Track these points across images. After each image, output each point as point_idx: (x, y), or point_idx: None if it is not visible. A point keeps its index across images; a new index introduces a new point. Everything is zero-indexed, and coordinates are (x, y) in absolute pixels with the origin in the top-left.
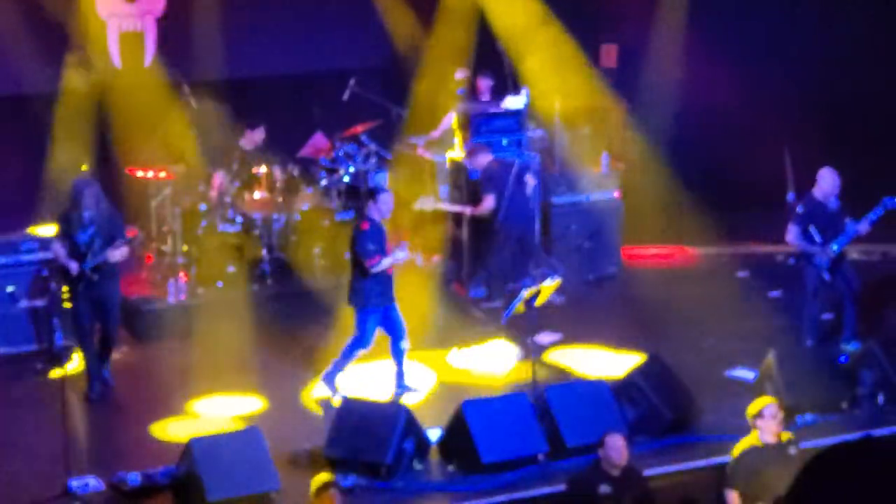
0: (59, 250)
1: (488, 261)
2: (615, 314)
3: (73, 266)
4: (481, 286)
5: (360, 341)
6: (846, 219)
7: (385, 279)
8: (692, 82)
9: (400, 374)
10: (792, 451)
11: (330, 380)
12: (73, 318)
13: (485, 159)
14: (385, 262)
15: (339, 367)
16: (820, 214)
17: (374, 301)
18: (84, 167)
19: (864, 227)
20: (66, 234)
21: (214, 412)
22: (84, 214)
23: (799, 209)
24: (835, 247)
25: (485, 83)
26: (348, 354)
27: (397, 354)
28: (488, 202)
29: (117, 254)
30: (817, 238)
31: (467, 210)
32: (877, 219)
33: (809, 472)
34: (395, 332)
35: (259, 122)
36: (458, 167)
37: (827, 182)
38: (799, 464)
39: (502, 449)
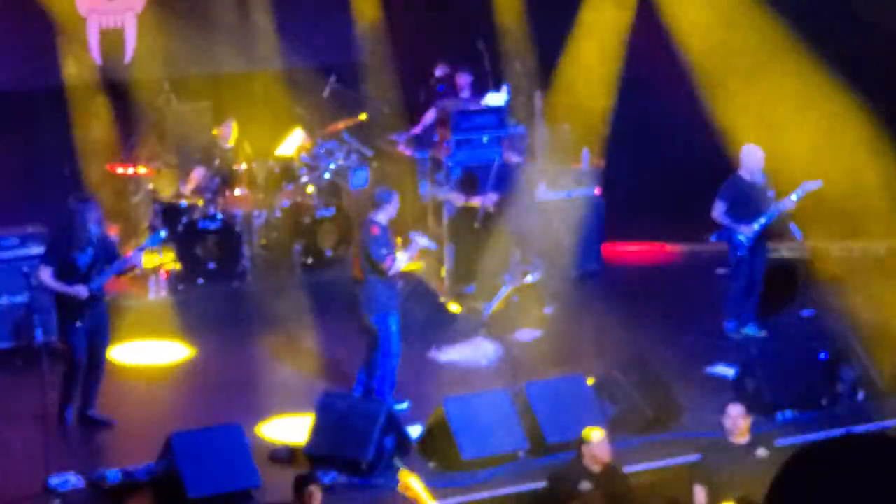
0: (49, 277)
1: (484, 261)
2: (596, 311)
3: (82, 290)
4: (473, 283)
5: (390, 348)
6: (770, 195)
7: (394, 283)
8: (673, 79)
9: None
10: (760, 452)
11: (386, 397)
12: (72, 350)
13: (516, 159)
14: (401, 260)
15: (384, 385)
16: (747, 191)
17: (391, 303)
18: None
19: (788, 204)
20: (58, 257)
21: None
22: (87, 235)
23: (725, 186)
24: (757, 226)
25: (465, 79)
26: (386, 368)
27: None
28: (491, 198)
29: (126, 269)
30: (740, 224)
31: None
32: (798, 199)
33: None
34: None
35: (226, 117)
36: (438, 162)
37: (751, 159)
38: (767, 466)
39: (483, 445)
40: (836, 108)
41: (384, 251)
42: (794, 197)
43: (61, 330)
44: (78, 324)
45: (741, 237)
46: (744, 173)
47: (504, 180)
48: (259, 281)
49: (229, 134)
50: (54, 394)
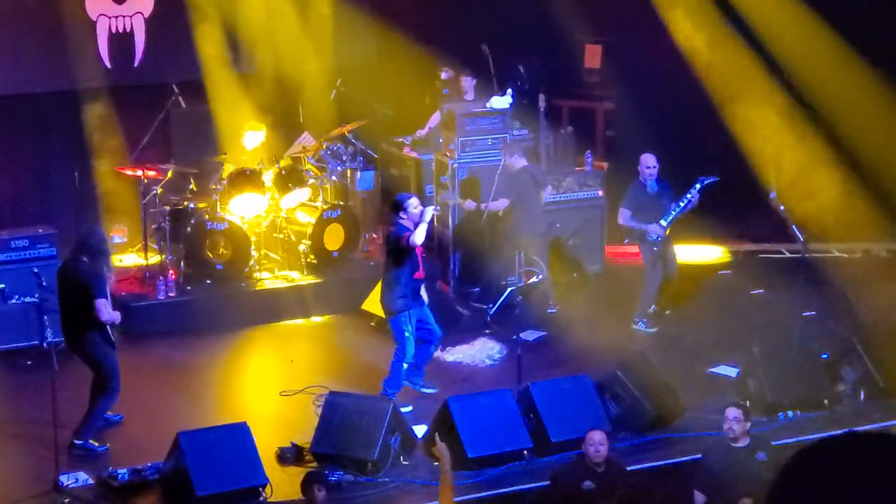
0: (109, 309)
1: (489, 263)
2: (599, 312)
3: (118, 316)
4: (477, 285)
5: (402, 349)
6: (671, 199)
7: (416, 282)
8: (676, 82)
9: (417, 372)
10: (760, 455)
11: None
12: (115, 373)
13: (519, 163)
14: (419, 232)
15: (394, 379)
16: (646, 195)
17: (406, 305)
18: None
19: (693, 197)
20: (105, 287)
21: None
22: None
23: (627, 194)
24: (664, 222)
25: (469, 82)
26: (394, 368)
27: (422, 353)
28: (502, 203)
29: None
30: (648, 225)
31: (483, 205)
32: (698, 193)
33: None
34: (424, 334)
35: (260, 125)
36: (443, 165)
37: (643, 165)
38: (767, 468)
39: (487, 444)
40: None
41: (404, 232)
42: (694, 190)
43: (102, 355)
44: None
45: (652, 234)
46: (642, 179)
47: (508, 182)
48: (265, 281)
49: (258, 140)
50: (65, 393)
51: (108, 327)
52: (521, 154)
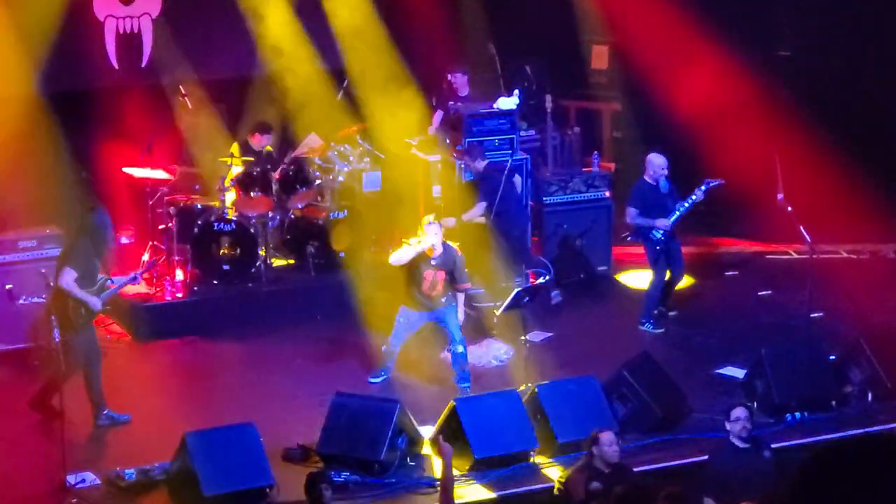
0: (73, 282)
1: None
2: (605, 313)
3: (97, 302)
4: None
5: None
6: (676, 199)
7: (413, 290)
8: (682, 83)
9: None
10: (766, 454)
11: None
12: (90, 349)
13: (481, 164)
14: (396, 252)
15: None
16: (652, 194)
17: (406, 299)
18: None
19: (698, 197)
20: (84, 264)
21: None
22: (110, 245)
23: (632, 192)
24: (668, 221)
25: (460, 78)
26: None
27: (451, 356)
28: (479, 208)
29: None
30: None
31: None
32: (703, 195)
33: (807, 469)
34: (448, 336)
35: (270, 127)
36: (450, 166)
37: (656, 166)
38: (772, 467)
39: (494, 445)
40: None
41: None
42: (699, 192)
43: (63, 331)
44: (79, 335)
45: (657, 233)
46: (648, 179)
47: (514, 183)
48: (273, 282)
49: (265, 143)
50: (72, 393)
51: (70, 305)
52: (482, 156)
